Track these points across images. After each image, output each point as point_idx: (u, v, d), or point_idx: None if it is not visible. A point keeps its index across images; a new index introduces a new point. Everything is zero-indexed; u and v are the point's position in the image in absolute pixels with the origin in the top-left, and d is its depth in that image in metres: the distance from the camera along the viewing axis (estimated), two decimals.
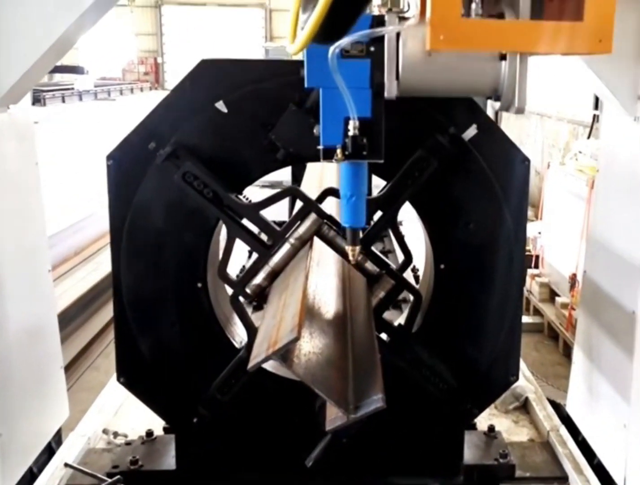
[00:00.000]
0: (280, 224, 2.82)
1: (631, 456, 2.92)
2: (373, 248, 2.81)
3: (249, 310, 4.04)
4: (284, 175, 4.84)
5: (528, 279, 7.78)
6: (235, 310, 2.81)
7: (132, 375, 2.93)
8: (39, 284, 3.25)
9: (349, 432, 2.54)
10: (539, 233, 7.93)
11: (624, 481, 2.93)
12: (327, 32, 1.51)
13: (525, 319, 7.44)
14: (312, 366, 2.07)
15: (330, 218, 2.76)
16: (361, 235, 2.65)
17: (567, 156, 8.02)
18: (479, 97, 2.24)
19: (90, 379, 6.12)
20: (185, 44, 42.04)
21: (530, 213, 9.28)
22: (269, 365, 2.88)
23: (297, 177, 5.47)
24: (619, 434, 2.96)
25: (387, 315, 3.00)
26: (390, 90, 1.97)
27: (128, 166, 2.73)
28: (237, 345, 2.91)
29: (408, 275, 3.41)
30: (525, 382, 3.84)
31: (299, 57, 2.21)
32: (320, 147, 2.17)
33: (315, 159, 2.28)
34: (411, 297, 2.88)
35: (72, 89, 33.00)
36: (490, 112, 8.67)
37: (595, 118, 8.57)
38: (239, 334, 3.03)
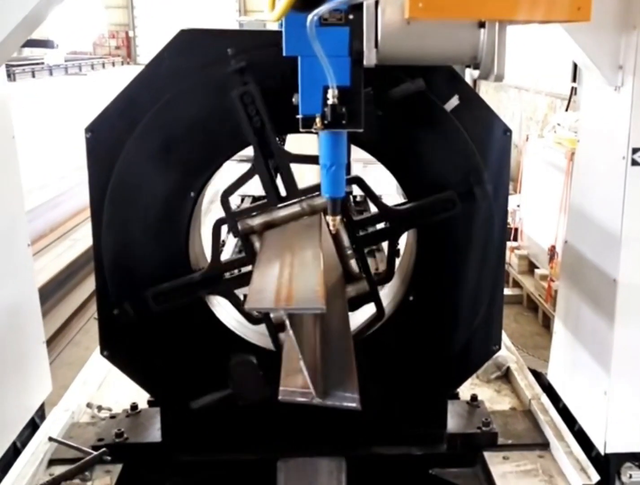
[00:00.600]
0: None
1: (610, 422, 2.97)
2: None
3: None
4: None
5: (507, 252, 7.83)
6: (213, 236, 2.78)
7: (115, 349, 2.92)
8: (18, 259, 3.21)
9: None
10: (518, 206, 7.99)
11: (604, 446, 2.99)
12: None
13: (505, 291, 7.48)
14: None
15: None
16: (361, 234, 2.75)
17: (546, 129, 8.05)
18: (458, 65, 2.24)
19: (71, 354, 6.10)
20: (157, 17, 41.39)
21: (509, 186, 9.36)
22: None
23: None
24: (599, 400, 3.01)
25: None
26: (369, 58, 1.95)
27: (107, 137, 2.71)
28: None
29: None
30: (507, 352, 3.88)
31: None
32: (299, 116, 2.15)
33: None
34: None
35: (42, 63, 32.39)
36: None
37: (574, 90, 8.61)
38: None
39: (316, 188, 2.65)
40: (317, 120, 2.09)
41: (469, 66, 2.04)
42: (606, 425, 2.98)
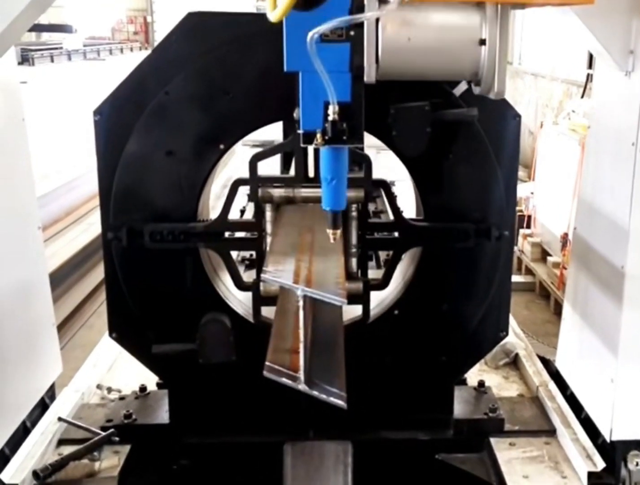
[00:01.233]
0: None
1: (617, 409, 2.96)
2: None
3: (241, 268, 4.04)
4: (275, 134, 4.81)
5: (520, 239, 7.82)
6: (228, 193, 2.83)
7: (123, 331, 2.95)
8: (29, 242, 3.24)
9: None
10: (532, 193, 7.94)
11: (610, 433, 2.98)
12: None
13: (517, 278, 7.49)
14: None
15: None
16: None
17: (560, 116, 7.99)
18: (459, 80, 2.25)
19: (84, 336, 6.16)
20: (175, 3, 41.34)
21: (523, 174, 9.30)
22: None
23: (288, 135, 5.43)
24: (606, 388, 3.00)
25: None
26: (370, 74, 1.96)
27: (116, 120, 2.73)
28: (228, 303, 2.93)
29: None
30: (516, 339, 3.88)
31: None
32: (300, 131, 2.14)
33: None
34: None
35: (61, 48, 32.48)
36: None
37: (589, 77, 8.53)
38: (229, 290, 3.04)
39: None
40: (318, 135, 2.06)
41: (470, 82, 2.04)
42: (613, 413, 2.97)
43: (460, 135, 2.78)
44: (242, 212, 4.94)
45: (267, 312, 2.84)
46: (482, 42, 1.90)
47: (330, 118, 2.03)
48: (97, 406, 3.30)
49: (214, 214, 2.96)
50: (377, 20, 1.89)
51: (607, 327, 3.02)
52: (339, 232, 2.37)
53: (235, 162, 7.33)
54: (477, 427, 3.10)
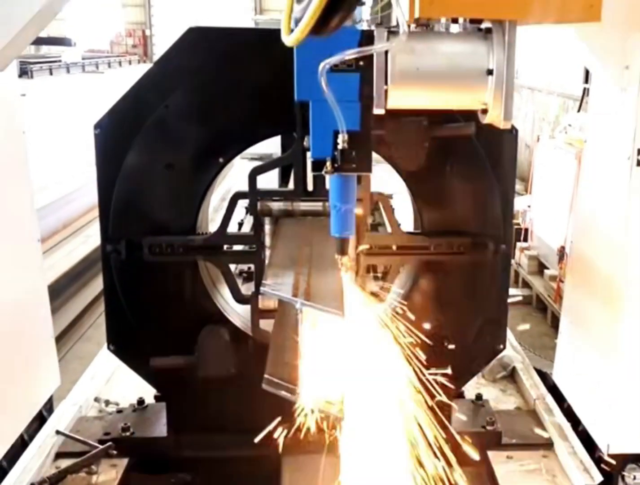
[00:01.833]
0: None
1: (614, 423, 2.97)
2: None
3: (239, 281, 4.05)
4: (273, 147, 4.83)
5: (517, 252, 7.84)
6: (227, 207, 2.83)
7: (121, 344, 2.95)
8: (27, 254, 3.25)
9: None
10: (528, 206, 7.96)
11: (607, 447, 2.98)
12: (323, 24, 1.53)
13: (514, 291, 7.49)
14: None
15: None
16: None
17: (557, 130, 8.03)
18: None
19: (82, 349, 6.15)
20: (174, 16, 41.46)
21: (520, 187, 9.33)
22: None
23: (286, 148, 5.46)
24: (604, 401, 3.00)
25: None
26: (379, 103, 1.97)
27: (116, 134, 2.75)
28: (227, 316, 2.94)
29: None
30: (513, 352, 3.89)
31: None
32: (310, 159, 2.17)
33: None
34: None
35: (60, 61, 32.54)
36: None
37: (586, 91, 8.57)
38: (228, 303, 3.05)
39: None
40: (328, 163, 2.09)
41: (476, 111, 2.05)
42: (610, 426, 2.98)
43: (458, 150, 2.80)
44: (240, 224, 4.95)
45: (266, 324, 2.84)
46: (490, 72, 1.91)
47: (339, 146, 2.05)
48: (95, 419, 3.29)
49: (212, 226, 2.97)
50: (386, 51, 1.91)
51: (604, 340, 3.03)
52: (345, 258, 2.39)
53: (232, 175, 7.35)
54: (474, 440, 3.09)
